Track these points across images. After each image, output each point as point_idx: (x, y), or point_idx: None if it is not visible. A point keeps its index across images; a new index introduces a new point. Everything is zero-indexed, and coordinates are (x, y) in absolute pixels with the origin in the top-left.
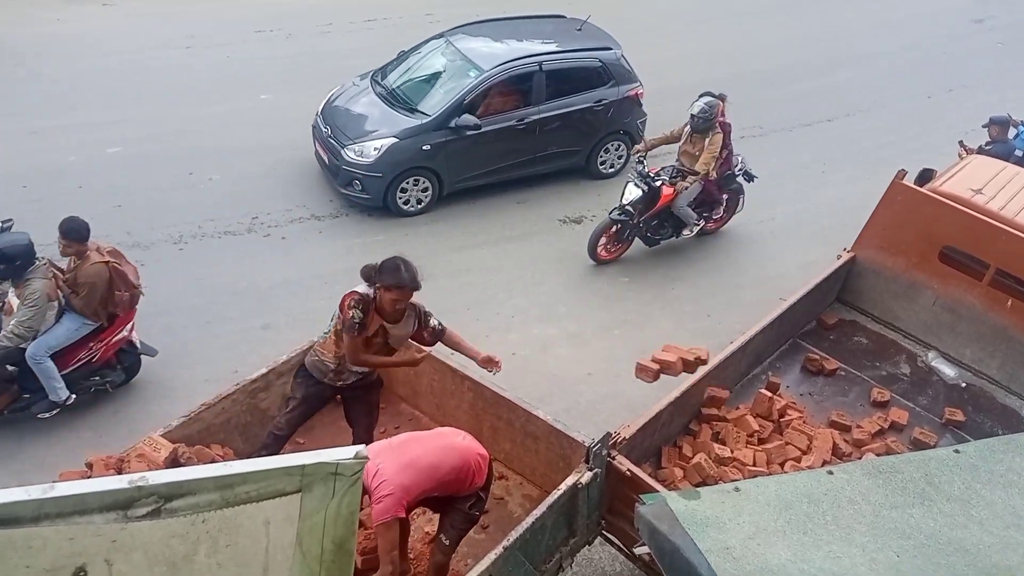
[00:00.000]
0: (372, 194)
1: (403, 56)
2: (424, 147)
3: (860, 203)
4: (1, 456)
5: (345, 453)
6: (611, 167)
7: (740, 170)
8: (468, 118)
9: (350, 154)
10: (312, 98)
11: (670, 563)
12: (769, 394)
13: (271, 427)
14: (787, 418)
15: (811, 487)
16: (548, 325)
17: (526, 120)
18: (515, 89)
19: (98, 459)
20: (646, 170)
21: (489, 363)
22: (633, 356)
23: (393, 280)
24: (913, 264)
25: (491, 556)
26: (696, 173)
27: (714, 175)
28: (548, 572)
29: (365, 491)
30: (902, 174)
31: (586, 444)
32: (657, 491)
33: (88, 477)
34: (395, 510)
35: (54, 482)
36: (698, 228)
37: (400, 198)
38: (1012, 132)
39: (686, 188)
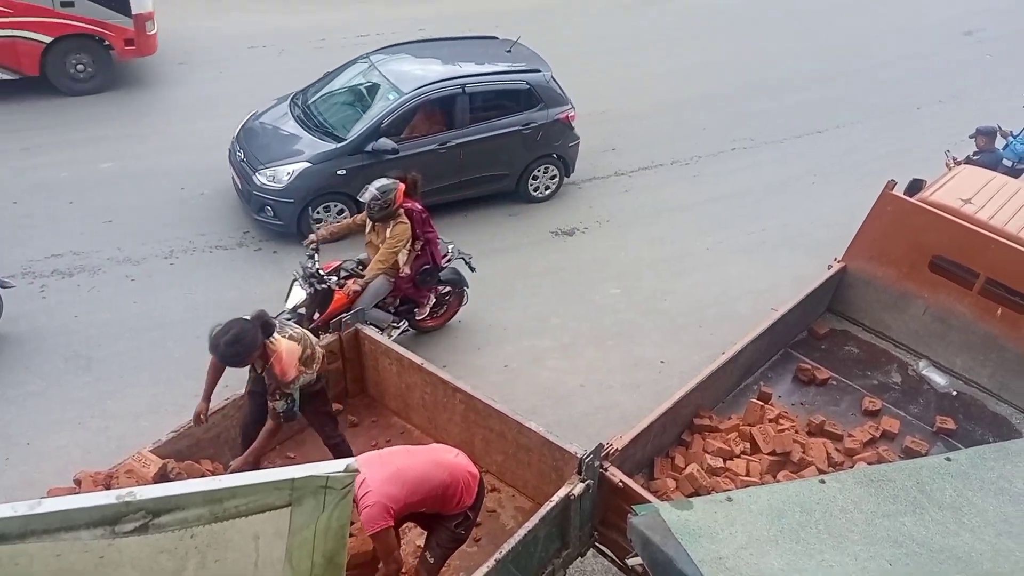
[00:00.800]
0: (284, 220)
1: (326, 78)
2: (339, 172)
3: (851, 214)
4: None
5: (335, 467)
6: (544, 191)
7: (450, 259)
8: (385, 142)
9: (261, 179)
10: None
11: (663, 574)
12: (761, 404)
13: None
14: (779, 428)
15: (803, 496)
16: (540, 337)
17: (448, 144)
18: (438, 112)
19: (87, 475)
20: (317, 267)
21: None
22: (625, 368)
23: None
24: (903, 274)
25: (483, 569)
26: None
27: (407, 271)
28: None
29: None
30: (892, 184)
31: (578, 456)
32: (650, 502)
33: (76, 493)
34: (383, 520)
35: (41, 498)
36: (399, 331)
37: (314, 225)
38: (1000, 142)
39: (359, 290)
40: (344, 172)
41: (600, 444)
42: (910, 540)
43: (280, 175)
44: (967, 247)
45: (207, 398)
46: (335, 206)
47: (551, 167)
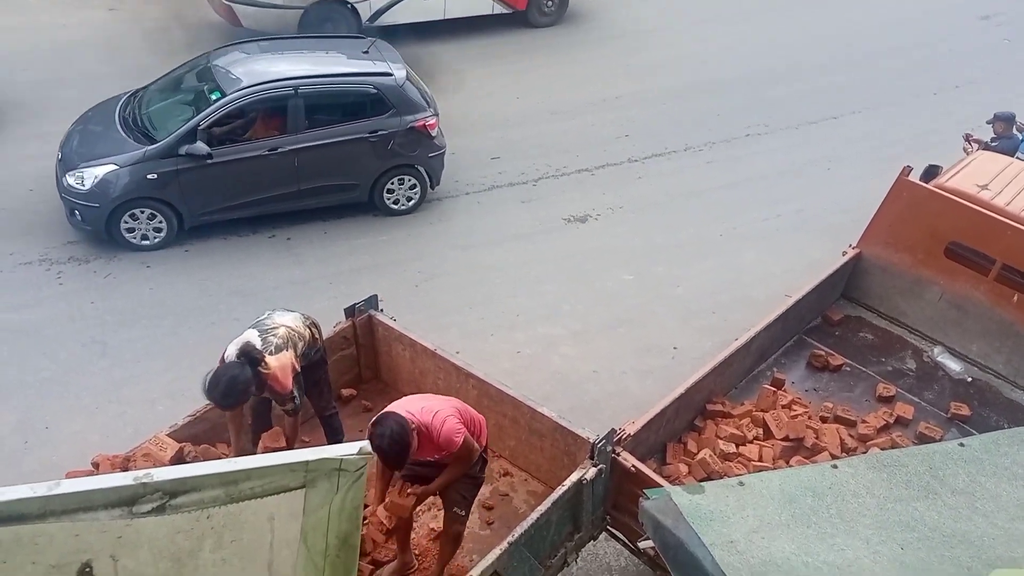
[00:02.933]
0: (93, 225)
1: (165, 76)
2: (149, 176)
3: (866, 200)
4: (8, 458)
5: (349, 449)
6: (403, 204)
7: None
8: (199, 146)
9: (70, 181)
10: None
11: (674, 557)
12: (774, 390)
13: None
14: (792, 413)
15: (815, 481)
16: (553, 324)
17: (280, 150)
18: (270, 115)
19: (104, 458)
20: None
21: None
22: (638, 354)
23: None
24: (919, 260)
25: (496, 552)
26: None
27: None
28: (553, 567)
29: (420, 433)
30: (907, 170)
31: (591, 440)
32: (661, 486)
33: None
34: (463, 427)
35: (60, 480)
36: None
37: (127, 231)
38: (1016, 130)
39: None
40: (155, 176)
41: (612, 429)
42: (922, 525)
43: (86, 178)
44: (983, 233)
45: (238, 449)
46: (143, 212)
47: (409, 178)
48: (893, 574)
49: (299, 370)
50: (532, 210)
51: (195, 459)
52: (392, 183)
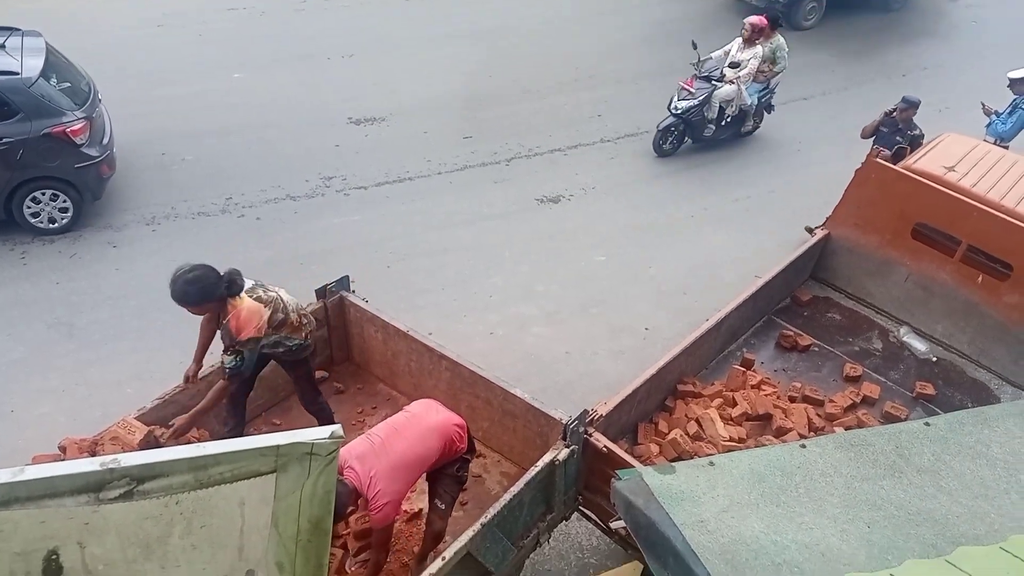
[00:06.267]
0: None
1: None
2: None
3: (836, 181)
4: None
5: (320, 433)
6: (52, 222)
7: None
8: None
9: None
10: (287, 77)
11: (645, 536)
12: (743, 370)
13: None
14: (762, 393)
15: (784, 460)
16: (526, 304)
17: None
18: None
19: (71, 442)
20: None
21: None
22: (611, 335)
23: None
24: (886, 241)
25: (469, 533)
26: None
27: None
28: (526, 547)
29: (359, 495)
30: (876, 152)
31: (563, 421)
32: (633, 467)
33: (61, 460)
34: (395, 513)
35: (25, 466)
36: None
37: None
38: (985, 113)
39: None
40: None
41: (585, 410)
42: (888, 503)
43: None
44: (949, 214)
45: (199, 360)
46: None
47: (56, 194)
48: (860, 552)
49: (262, 336)
50: (505, 190)
51: (167, 441)
52: (37, 197)
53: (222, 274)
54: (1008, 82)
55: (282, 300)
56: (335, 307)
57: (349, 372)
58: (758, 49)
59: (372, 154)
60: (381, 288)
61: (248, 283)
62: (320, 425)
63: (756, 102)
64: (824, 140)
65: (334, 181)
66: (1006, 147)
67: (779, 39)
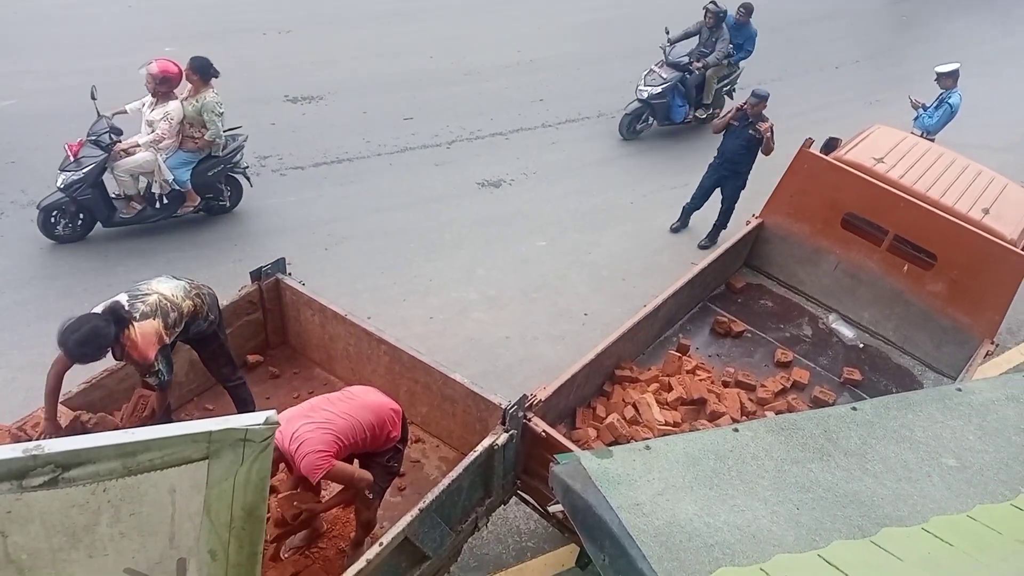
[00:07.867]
0: None
1: None
2: None
3: (771, 170)
4: None
5: (255, 419)
6: None
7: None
8: None
9: None
10: (222, 51)
11: (582, 520)
12: (679, 355)
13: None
14: (697, 378)
15: (717, 444)
16: (466, 289)
17: None
18: None
19: None
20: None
21: None
22: (550, 319)
23: None
24: (817, 230)
25: (407, 518)
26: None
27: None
28: (464, 532)
29: (282, 458)
30: (809, 142)
31: (503, 406)
32: (571, 451)
33: None
34: (326, 462)
35: None
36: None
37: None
38: (913, 107)
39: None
40: None
41: (524, 395)
42: (817, 485)
43: None
44: (877, 205)
45: (52, 416)
46: None
47: None
48: (789, 533)
49: (167, 342)
50: (446, 173)
51: (95, 426)
52: None
53: (104, 315)
54: (935, 76)
55: (165, 298)
56: (271, 290)
57: (285, 356)
58: (175, 106)
59: (309, 133)
60: (318, 271)
61: (122, 297)
62: (236, 406)
63: (188, 181)
64: None
65: (270, 160)
66: (932, 140)
67: (210, 96)
